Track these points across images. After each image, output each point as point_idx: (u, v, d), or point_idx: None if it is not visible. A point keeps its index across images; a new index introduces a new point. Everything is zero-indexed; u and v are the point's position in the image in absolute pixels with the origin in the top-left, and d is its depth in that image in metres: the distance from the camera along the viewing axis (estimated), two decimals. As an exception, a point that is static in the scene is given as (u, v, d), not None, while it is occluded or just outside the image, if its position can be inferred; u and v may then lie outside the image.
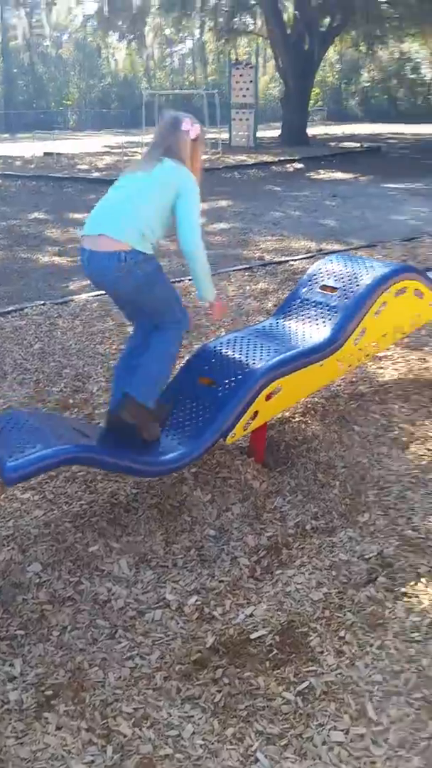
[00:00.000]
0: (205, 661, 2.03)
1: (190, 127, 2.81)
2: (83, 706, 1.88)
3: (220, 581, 2.35)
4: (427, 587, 2.27)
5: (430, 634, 2.07)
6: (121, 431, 2.72)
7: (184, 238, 2.73)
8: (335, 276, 3.47)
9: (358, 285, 3.32)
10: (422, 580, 2.30)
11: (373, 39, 23.76)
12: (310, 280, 3.56)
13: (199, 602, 2.26)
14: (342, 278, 3.43)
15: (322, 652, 2.03)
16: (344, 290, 3.35)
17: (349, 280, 3.39)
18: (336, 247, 7.68)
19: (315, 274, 3.58)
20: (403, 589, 2.26)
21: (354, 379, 3.98)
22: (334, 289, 3.41)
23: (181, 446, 2.69)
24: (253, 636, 2.10)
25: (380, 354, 4.32)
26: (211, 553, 2.51)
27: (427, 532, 2.56)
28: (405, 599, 2.22)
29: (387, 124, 35.42)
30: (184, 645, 2.09)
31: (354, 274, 3.42)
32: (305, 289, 3.53)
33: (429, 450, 3.18)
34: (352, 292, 3.31)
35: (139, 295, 2.74)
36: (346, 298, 3.29)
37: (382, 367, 4.17)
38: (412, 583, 2.29)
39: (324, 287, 3.46)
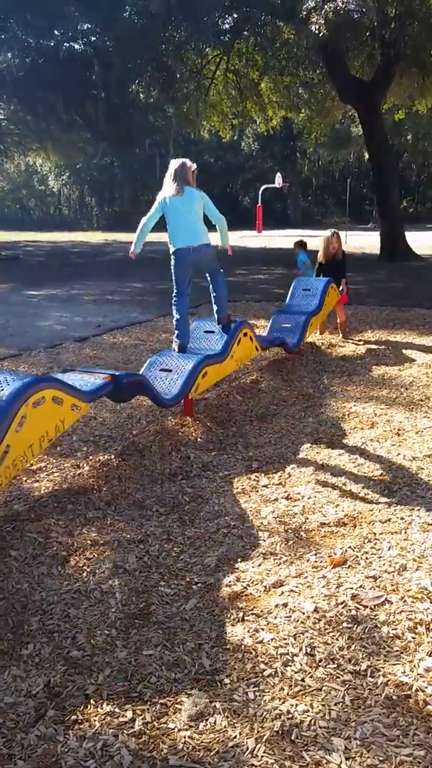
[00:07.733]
0: None
1: (191, 164, 5.38)
2: None
3: None
4: (96, 707, 2.27)
5: (104, 757, 2.07)
6: None
7: (217, 218, 5.52)
8: None
9: None
10: (91, 701, 2.29)
11: (-4, 152, 24.64)
12: None
13: None
14: None
15: None
16: None
17: None
18: (-19, 359, 7.55)
19: None
20: (73, 717, 2.23)
21: (9, 499, 3.89)
22: None
23: None
24: None
25: (34, 467, 4.32)
26: None
27: (93, 647, 2.58)
28: (77, 727, 2.18)
29: (22, 232, 36.61)
30: None
31: None
32: None
33: (88, 558, 3.24)
34: None
35: (210, 261, 5.58)
36: None
37: (37, 481, 4.17)
38: (82, 707, 2.27)
39: None
